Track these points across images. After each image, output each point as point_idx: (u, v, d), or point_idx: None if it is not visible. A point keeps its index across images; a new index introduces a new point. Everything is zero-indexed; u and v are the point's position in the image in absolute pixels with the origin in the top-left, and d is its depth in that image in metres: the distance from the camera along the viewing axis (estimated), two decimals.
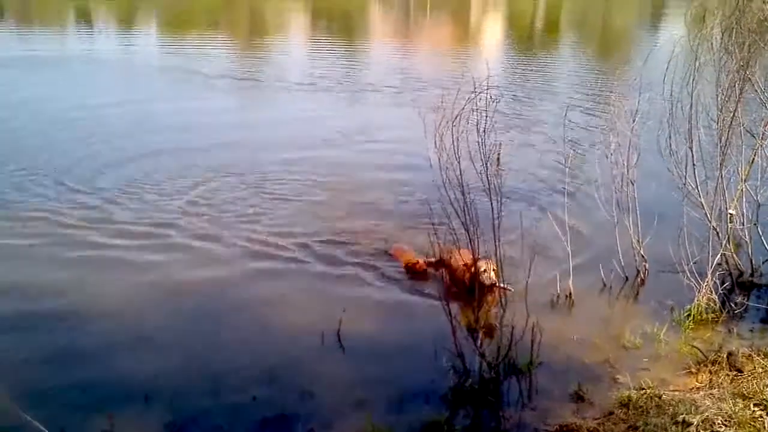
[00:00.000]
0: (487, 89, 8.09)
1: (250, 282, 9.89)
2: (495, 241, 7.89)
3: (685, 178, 9.89)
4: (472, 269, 8.72)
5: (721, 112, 10.01)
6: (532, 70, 30.06)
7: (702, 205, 9.91)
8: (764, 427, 6.15)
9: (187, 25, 45.45)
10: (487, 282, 8.66)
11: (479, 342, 7.68)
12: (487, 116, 7.84)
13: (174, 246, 10.90)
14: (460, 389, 7.45)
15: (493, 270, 8.64)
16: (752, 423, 6.25)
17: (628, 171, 10.13)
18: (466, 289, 8.90)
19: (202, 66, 28.10)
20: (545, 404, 7.27)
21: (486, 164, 7.83)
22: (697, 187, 9.91)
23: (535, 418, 7.02)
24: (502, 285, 8.30)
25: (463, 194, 7.71)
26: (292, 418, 6.97)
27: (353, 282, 9.91)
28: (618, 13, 61.22)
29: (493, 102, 8.34)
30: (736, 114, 9.93)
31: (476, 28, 53.21)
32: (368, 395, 7.37)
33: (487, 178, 7.83)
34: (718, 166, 9.93)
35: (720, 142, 9.91)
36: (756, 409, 6.44)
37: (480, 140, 7.80)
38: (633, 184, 10.19)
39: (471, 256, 8.58)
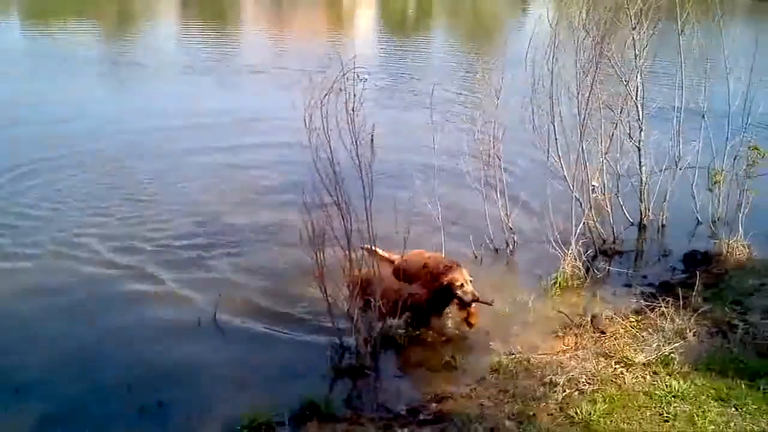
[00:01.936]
0: (354, 69, 8.13)
1: (123, 278, 9.57)
2: (367, 218, 7.96)
3: (548, 152, 10.23)
4: (441, 281, 8.01)
5: (579, 87, 10.39)
6: (404, 52, 30.43)
7: (565, 177, 10.28)
8: (624, 383, 6.48)
9: (53, 15, 43.57)
10: (467, 299, 7.92)
11: (355, 318, 7.73)
12: (355, 96, 7.89)
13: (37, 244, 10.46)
14: (338, 366, 7.49)
15: (470, 281, 8.01)
16: (613, 379, 6.57)
17: (494, 146, 10.41)
18: (431, 302, 8.12)
19: (69, 53, 27.16)
20: (420, 374, 7.46)
21: (356, 142, 7.91)
22: (560, 160, 10.28)
23: (411, 389, 7.16)
24: (483, 300, 8.02)
25: (334, 172, 7.74)
26: (170, 404, 6.83)
27: (229, 268, 9.78)
28: None
29: (361, 81, 8.43)
30: (593, 89, 10.35)
31: (349, 14, 53.28)
32: (247, 378, 7.32)
33: (357, 156, 7.92)
34: (579, 139, 10.32)
35: (580, 116, 10.29)
36: (617, 366, 6.78)
37: (349, 119, 7.87)
38: (500, 160, 10.49)
39: (436, 264, 8.28)
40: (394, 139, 14.59)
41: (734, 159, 10.91)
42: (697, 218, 11.36)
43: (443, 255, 9.09)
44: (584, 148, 10.38)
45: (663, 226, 11.29)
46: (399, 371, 7.56)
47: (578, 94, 10.36)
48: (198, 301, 8.78)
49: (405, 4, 62.02)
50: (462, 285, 7.83)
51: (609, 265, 9.89)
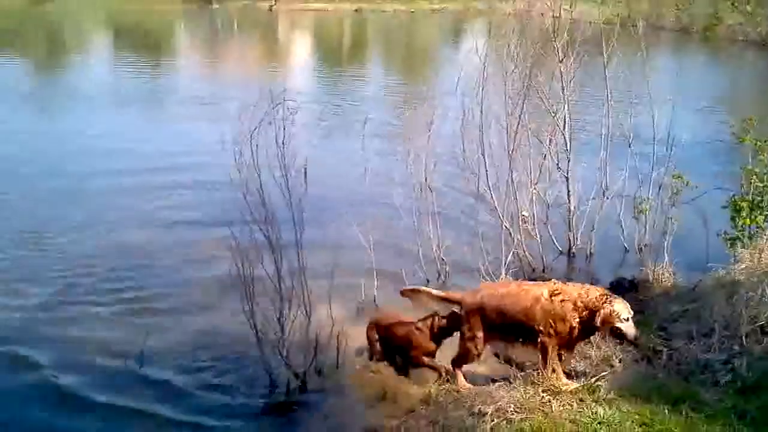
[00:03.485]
0: (284, 101, 8.15)
1: (51, 314, 9.38)
2: (298, 253, 7.94)
3: (478, 182, 10.36)
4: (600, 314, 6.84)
5: (508, 119, 10.57)
6: (339, 83, 30.60)
7: (495, 207, 10.42)
8: (551, 410, 6.53)
9: None
10: (631, 334, 6.93)
11: (285, 352, 7.67)
12: (284, 128, 7.92)
13: None
14: (267, 401, 7.46)
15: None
16: (540, 407, 6.61)
17: (426, 177, 10.50)
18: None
19: None
20: (351, 407, 7.39)
21: (286, 176, 7.92)
22: (490, 190, 10.42)
23: (342, 423, 7.12)
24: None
25: (264, 206, 7.72)
26: None
27: (154, 309, 9.63)
28: (422, 30, 63.19)
29: (291, 114, 8.44)
30: (522, 120, 10.55)
31: (284, 47, 53.36)
32: (170, 415, 7.21)
33: (288, 189, 7.92)
34: (508, 170, 10.48)
35: (508, 147, 10.45)
36: (544, 394, 6.82)
37: (279, 152, 7.89)
38: (432, 191, 10.58)
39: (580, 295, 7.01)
40: (326, 170, 14.62)
41: (659, 187, 11.17)
42: (624, 246, 11.61)
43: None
44: (513, 178, 10.54)
45: (591, 254, 11.49)
46: (330, 405, 7.48)
47: (507, 125, 10.54)
48: (124, 338, 8.61)
49: (341, 34, 62.45)
50: (628, 319, 6.84)
51: None
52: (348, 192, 13.31)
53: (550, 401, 6.71)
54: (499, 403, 6.72)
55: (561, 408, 6.60)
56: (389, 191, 11.15)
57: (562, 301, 6.94)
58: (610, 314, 6.74)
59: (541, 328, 6.99)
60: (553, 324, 6.95)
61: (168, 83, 30.50)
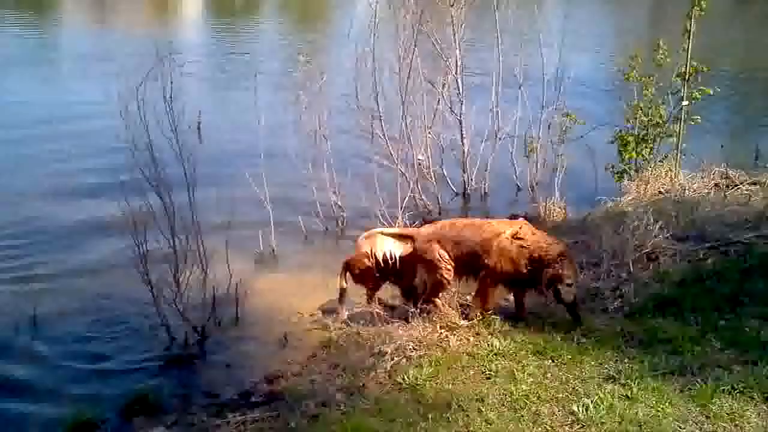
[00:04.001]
0: (169, 56, 7.97)
1: None
2: (191, 209, 7.83)
3: (372, 128, 10.39)
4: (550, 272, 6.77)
5: (401, 64, 10.59)
6: (232, 37, 29.95)
7: (390, 153, 10.47)
8: (449, 345, 6.68)
9: None
10: (569, 299, 6.83)
11: (182, 307, 7.59)
12: (171, 83, 7.75)
13: None
14: (167, 356, 7.39)
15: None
16: (439, 343, 6.75)
17: (320, 126, 10.47)
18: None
19: None
20: (252, 356, 7.42)
21: (175, 131, 7.77)
22: (384, 136, 10.46)
23: (243, 372, 7.11)
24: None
25: (154, 163, 7.57)
26: None
27: (46, 267, 9.36)
28: None
29: (178, 67, 8.27)
30: (414, 65, 10.59)
31: (174, 4, 51.80)
32: (71, 377, 7.09)
33: (178, 145, 7.78)
34: (402, 115, 10.53)
35: (402, 93, 10.49)
36: (442, 331, 6.96)
37: (167, 107, 7.73)
38: (326, 140, 10.56)
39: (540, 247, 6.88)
40: (219, 121, 14.42)
41: (548, 126, 11.42)
42: (517, 184, 11.88)
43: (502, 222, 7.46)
44: (407, 123, 10.60)
45: (486, 193, 11.73)
46: (230, 356, 7.47)
47: (399, 70, 10.56)
48: (13, 304, 8.33)
49: None
50: (571, 284, 6.75)
51: None
52: (242, 145, 13.02)
53: (447, 337, 6.86)
54: (399, 341, 6.82)
55: (458, 342, 6.76)
56: (284, 142, 11.08)
57: (521, 246, 6.87)
58: (559, 276, 6.68)
59: (491, 263, 6.95)
60: (502, 263, 6.92)
61: (54, 41, 29.33)
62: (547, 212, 10.43)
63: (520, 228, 7.02)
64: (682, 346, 6.23)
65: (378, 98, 10.60)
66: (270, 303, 8.38)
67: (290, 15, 41.83)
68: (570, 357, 6.26)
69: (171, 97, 7.72)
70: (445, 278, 7.24)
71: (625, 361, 6.12)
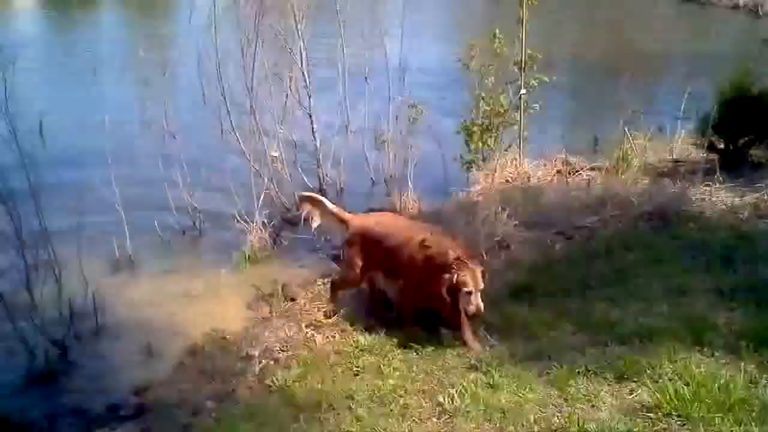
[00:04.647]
0: None
1: None
2: (38, 215, 7.52)
3: (221, 125, 10.25)
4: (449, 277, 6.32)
5: (245, 57, 10.45)
6: (71, 28, 28.67)
7: (242, 150, 10.35)
8: (316, 344, 6.74)
9: None
10: (470, 310, 6.34)
11: (39, 322, 7.26)
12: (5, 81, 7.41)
13: None
14: (28, 374, 7.03)
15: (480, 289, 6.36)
16: (305, 343, 6.81)
17: (167, 124, 10.22)
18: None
19: None
20: (118, 369, 7.18)
21: (14, 132, 7.45)
22: (234, 133, 10.33)
23: (110, 384, 6.87)
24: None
25: None
26: None
27: None
28: None
29: (11, 64, 7.90)
30: (259, 58, 10.49)
31: None
32: None
33: (18, 147, 7.46)
34: (250, 110, 10.43)
35: (248, 88, 10.38)
36: (308, 330, 7.02)
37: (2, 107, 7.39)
38: (175, 137, 10.32)
39: (441, 249, 6.50)
40: (63, 121, 13.80)
41: (396, 118, 11.59)
42: (372, 178, 11.99)
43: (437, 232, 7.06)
44: (256, 118, 10.51)
45: (342, 188, 11.76)
46: (94, 369, 7.20)
47: (243, 64, 10.43)
48: None
49: None
50: (470, 293, 6.26)
51: (295, 233, 10.09)
52: (88, 145, 12.43)
53: (313, 336, 6.92)
54: (266, 344, 6.86)
55: (325, 341, 6.84)
56: (132, 141, 10.74)
57: (426, 255, 6.52)
58: (455, 281, 6.25)
59: (402, 271, 6.78)
60: (409, 272, 6.70)
61: None
62: (402, 205, 10.58)
63: (430, 234, 6.72)
64: (537, 331, 6.53)
65: (224, 92, 10.42)
66: (131, 311, 8.13)
67: (130, 6, 40.28)
68: (433, 349, 6.44)
69: (6, 97, 7.39)
70: (351, 281, 7.34)
71: (486, 349, 6.36)
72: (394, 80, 11.92)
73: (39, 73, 17.96)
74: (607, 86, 14.08)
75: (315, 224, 7.65)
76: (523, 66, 11.05)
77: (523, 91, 11.16)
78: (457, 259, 6.32)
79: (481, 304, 6.22)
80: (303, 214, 7.66)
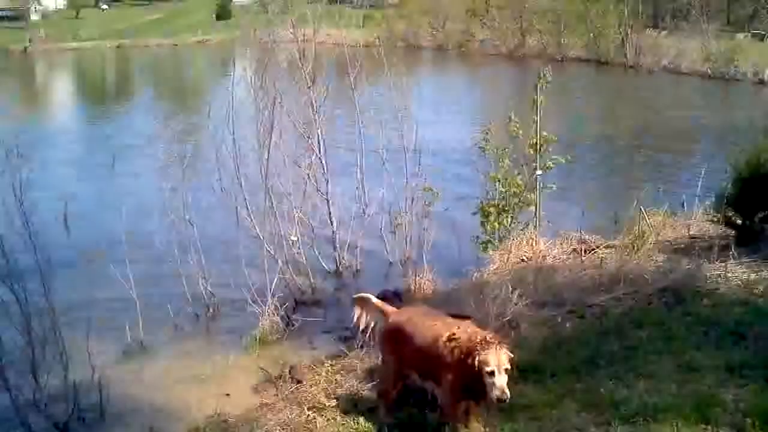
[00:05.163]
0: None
1: None
2: (47, 299, 7.64)
3: (237, 210, 10.41)
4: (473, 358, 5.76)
5: (262, 145, 10.69)
6: (104, 122, 29.52)
7: (258, 234, 10.48)
8: (316, 427, 6.66)
9: None
10: (494, 394, 5.66)
11: (44, 405, 7.30)
12: (20, 175, 7.67)
13: None
14: None
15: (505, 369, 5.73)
16: (306, 425, 6.72)
17: (185, 212, 10.40)
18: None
19: None
20: None
21: (27, 224, 7.65)
22: (250, 218, 10.48)
23: None
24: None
25: (5, 257, 7.40)
26: None
27: None
28: (189, 62, 62.24)
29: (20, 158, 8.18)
30: (277, 145, 10.72)
31: (43, 88, 50.74)
32: None
33: (30, 238, 7.64)
34: (265, 195, 10.62)
35: (263, 173, 10.59)
36: (310, 412, 6.94)
37: (17, 201, 7.62)
38: (193, 225, 10.47)
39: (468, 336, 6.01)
40: (89, 209, 14.12)
41: (411, 201, 11.67)
42: (388, 260, 12.02)
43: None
44: (273, 203, 10.67)
45: (358, 270, 11.82)
46: None
47: (261, 151, 10.66)
48: None
49: (104, 72, 60.39)
50: (493, 372, 5.63)
51: (308, 316, 10.11)
52: (106, 232, 12.70)
53: (315, 418, 6.84)
54: (266, 426, 6.78)
55: (326, 423, 6.75)
56: (149, 228, 10.92)
57: (453, 348, 5.97)
58: (478, 363, 5.66)
59: (436, 371, 6.19)
60: (439, 370, 6.11)
61: None
62: (417, 286, 10.56)
63: (458, 328, 6.14)
64: (541, 411, 6.40)
65: (240, 181, 10.62)
66: (136, 395, 8.16)
67: (163, 102, 41.52)
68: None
69: (21, 191, 7.62)
70: (386, 388, 6.70)
71: (486, 429, 6.23)
72: (411, 164, 12.04)
73: (72, 162, 18.43)
74: (627, 165, 14.15)
75: (363, 325, 7.20)
76: (538, 148, 11.14)
77: (538, 171, 11.23)
78: (483, 340, 5.80)
79: (506, 389, 5.55)
80: (355, 318, 7.21)
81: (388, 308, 6.93)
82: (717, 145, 16.93)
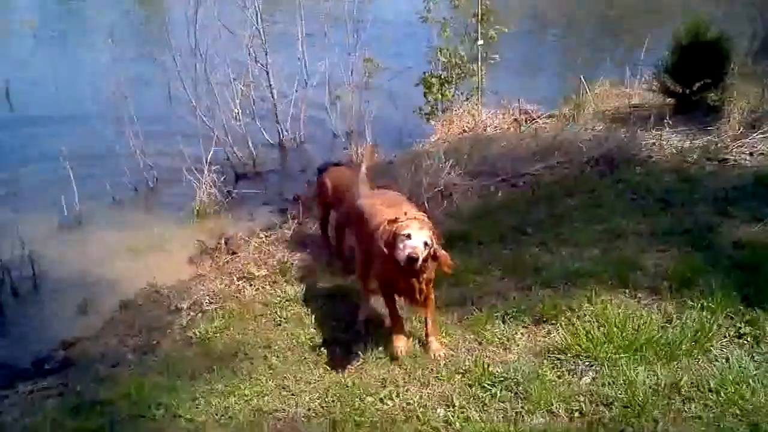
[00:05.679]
0: None
1: None
2: None
3: (169, 83, 10.18)
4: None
5: (196, 14, 10.35)
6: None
7: (196, 107, 10.30)
8: (244, 296, 6.74)
9: None
10: (400, 256, 4.98)
11: None
12: None
13: None
14: None
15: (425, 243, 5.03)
16: (235, 295, 6.80)
17: (116, 85, 10.15)
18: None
19: None
20: (51, 325, 7.14)
21: None
22: (186, 90, 10.27)
23: (40, 342, 6.79)
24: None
25: None
26: None
27: None
28: None
29: None
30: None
31: None
32: None
33: None
34: (203, 68, 10.37)
35: (196, 43, 10.32)
36: (240, 282, 7.02)
37: None
38: (127, 97, 10.24)
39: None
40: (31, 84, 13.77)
41: (351, 72, 11.47)
42: (333, 132, 11.90)
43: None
44: (209, 76, 10.45)
45: (302, 142, 11.70)
46: (28, 326, 7.22)
47: (196, 21, 10.34)
48: None
49: None
50: (409, 236, 4.99)
51: (248, 188, 10.07)
52: (48, 106, 12.38)
53: (244, 287, 6.92)
54: (196, 296, 6.86)
55: (255, 292, 6.83)
56: (88, 102, 10.68)
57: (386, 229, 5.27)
58: (396, 229, 5.09)
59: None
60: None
61: None
62: (359, 157, 10.49)
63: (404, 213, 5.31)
64: (465, 278, 6.49)
65: (174, 53, 10.32)
66: (72, 269, 8.10)
67: None
68: (358, 297, 6.43)
69: None
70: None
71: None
72: (352, 34, 11.76)
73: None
74: (577, 36, 13.97)
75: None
76: (479, 17, 10.95)
77: (480, 42, 11.06)
78: (406, 213, 5.27)
79: (420, 249, 4.91)
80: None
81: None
82: (667, 17, 16.66)
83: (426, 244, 4.99)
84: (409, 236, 4.99)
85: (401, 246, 4.97)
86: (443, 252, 5.23)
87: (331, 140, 11.83)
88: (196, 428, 4.96)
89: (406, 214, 5.26)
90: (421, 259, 4.94)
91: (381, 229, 5.29)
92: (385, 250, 5.14)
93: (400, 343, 5.50)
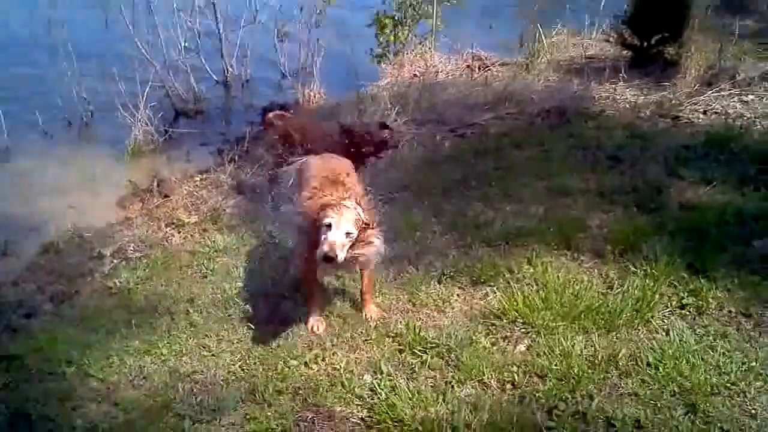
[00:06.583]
0: None
1: None
2: None
3: (107, 17, 9.67)
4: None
5: None
6: None
7: (136, 41, 9.78)
8: (171, 245, 6.42)
9: None
10: (319, 252, 4.53)
11: None
12: None
13: None
14: None
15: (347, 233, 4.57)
16: (162, 243, 6.48)
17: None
18: None
19: None
20: None
21: None
22: (127, 23, 9.74)
23: None
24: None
25: None
26: None
27: None
28: None
29: None
30: None
31: None
32: None
33: None
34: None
35: None
36: (168, 229, 6.69)
37: None
38: (63, 27, 9.69)
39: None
40: None
41: (301, 9, 11.00)
42: (282, 71, 11.44)
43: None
44: (153, 8, 9.94)
45: (247, 81, 11.23)
46: None
47: None
48: None
49: None
50: (330, 226, 4.53)
51: (189, 127, 9.66)
52: None
53: (172, 235, 6.60)
54: (120, 242, 6.52)
55: (183, 240, 6.52)
56: (15, 26, 10.08)
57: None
58: (319, 217, 4.64)
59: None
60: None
61: None
62: (307, 98, 10.12)
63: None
64: (404, 233, 6.21)
65: None
66: None
67: None
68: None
69: None
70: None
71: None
72: None
73: None
74: None
75: None
76: None
77: None
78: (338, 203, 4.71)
79: (337, 246, 4.46)
80: None
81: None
82: None
83: (348, 233, 4.54)
84: (329, 226, 4.52)
85: (322, 239, 4.52)
86: (375, 243, 4.76)
87: (279, 80, 11.36)
88: (106, 389, 4.67)
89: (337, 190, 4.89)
90: (340, 257, 4.48)
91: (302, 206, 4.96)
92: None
93: (316, 323, 5.12)
